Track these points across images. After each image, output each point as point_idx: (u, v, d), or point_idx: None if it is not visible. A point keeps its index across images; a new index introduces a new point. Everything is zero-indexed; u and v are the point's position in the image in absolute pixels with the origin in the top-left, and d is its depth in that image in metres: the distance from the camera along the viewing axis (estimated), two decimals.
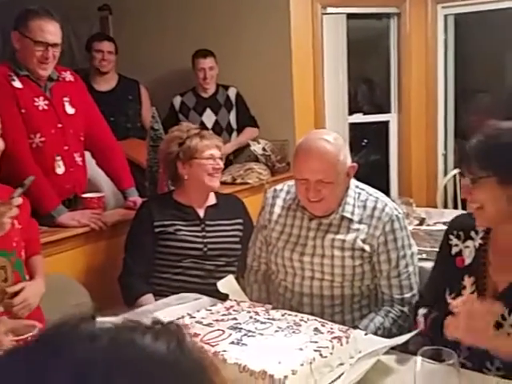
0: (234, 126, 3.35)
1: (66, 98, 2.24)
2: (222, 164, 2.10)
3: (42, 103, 2.15)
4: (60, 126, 2.20)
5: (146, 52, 3.59)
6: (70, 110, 2.25)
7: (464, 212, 1.46)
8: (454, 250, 1.40)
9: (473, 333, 1.17)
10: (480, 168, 1.24)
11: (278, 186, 1.79)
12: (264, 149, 3.26)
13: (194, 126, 2.16)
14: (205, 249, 2.02)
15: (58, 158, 2.20)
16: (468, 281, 1.30)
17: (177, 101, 3.33)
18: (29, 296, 1.56)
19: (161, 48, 3.56)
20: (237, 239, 2.08)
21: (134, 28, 3.66)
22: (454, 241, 1.41)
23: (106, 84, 3.21)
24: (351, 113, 3.60)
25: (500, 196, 1.24)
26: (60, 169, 2.20)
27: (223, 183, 3.02)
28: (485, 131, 1.28)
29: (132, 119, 3.24)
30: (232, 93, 3.34)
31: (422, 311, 1.42)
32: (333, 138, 1.60)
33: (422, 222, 2.18)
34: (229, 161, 3.29)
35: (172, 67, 3.55)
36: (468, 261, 1.36)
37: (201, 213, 2.08)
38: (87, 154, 2.40)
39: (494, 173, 1.23)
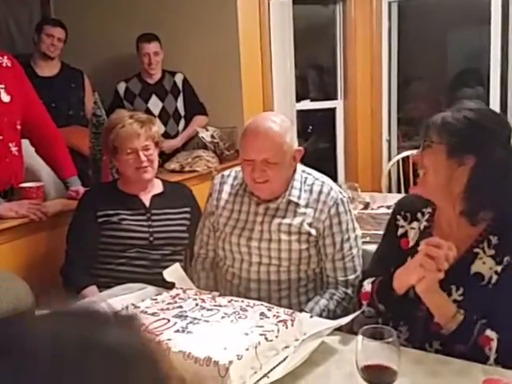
0: (182, 113, 3.30)
1: (1, 85, 2.14)
2: (154, 155, 1.96)
3: None
4: None
5: (88, 36, 3.46)
6: (5, 97, 2.15)
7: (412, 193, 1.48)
8: (400, 231, 1.42)
9: (422, 273, 1.17)
10: (436, 134, 1.26)
11: (226, 172, 1.78)
12: (213, 136, 3.22)
13: (128, 114, 2.00)
14: (151, 238, 1.97)
15: None
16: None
17: (121, 87, 3.24)
18: None
19: (104, 32, 3.44)
20: (184, 228, 2.04)
21: (77, 12, 3.52)
22: (401, 222, 1.43)
23: (49, 70, 3.09)
24: (299, 100, 3.61)
25: (444, 167, 1.26)
26: None
27: (171, 171, 2.98)
28: (456, 106, 1.29)
29: (74, 106, 3.13)
30: (179, 79, 3.28)
31: (367, 281, 1.42)
32: (280, 120, 1.60)
33: (366, 206, 2.23)
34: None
35: (116, 52, 3.44)
36: (412, 243, 1.38)
37: (146, 202, 2.03)
38: (25, 142, 2.30)
39: (447, 142, 1.25)
